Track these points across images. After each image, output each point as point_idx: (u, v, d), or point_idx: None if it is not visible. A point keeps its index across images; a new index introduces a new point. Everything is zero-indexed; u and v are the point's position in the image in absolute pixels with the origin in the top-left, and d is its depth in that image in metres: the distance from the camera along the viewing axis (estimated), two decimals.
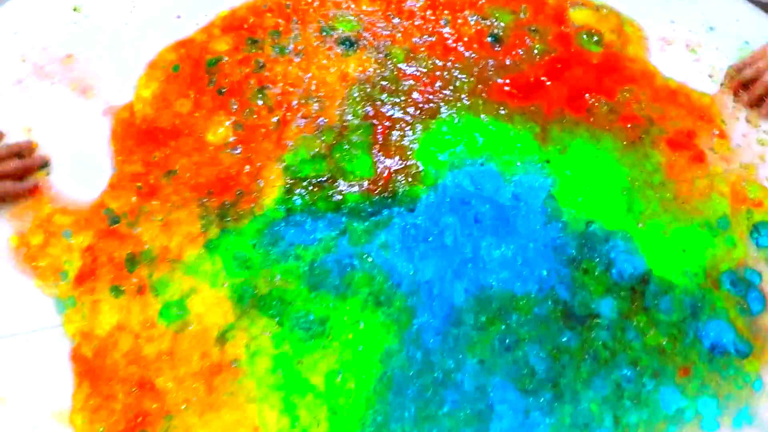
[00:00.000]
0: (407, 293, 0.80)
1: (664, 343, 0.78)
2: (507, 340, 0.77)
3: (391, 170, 0.89)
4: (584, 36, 1.01)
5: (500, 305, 0.79)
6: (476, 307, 0.79)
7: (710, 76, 0.98)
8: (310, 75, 0.97)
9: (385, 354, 0.77)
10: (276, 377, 0.76)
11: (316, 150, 0.90)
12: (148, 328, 0.78)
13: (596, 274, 0.81)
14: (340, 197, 0.86)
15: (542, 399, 0.74)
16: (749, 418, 0.73)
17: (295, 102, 0.94)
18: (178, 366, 0.76)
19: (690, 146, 0.91)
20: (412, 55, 0.99)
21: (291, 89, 0.95)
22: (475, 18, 1.02)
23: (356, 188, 0.87)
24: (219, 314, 0.79)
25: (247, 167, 0.89)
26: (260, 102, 0.94)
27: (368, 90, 0.95)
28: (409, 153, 0.90)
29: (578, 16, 1.03)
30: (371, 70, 0.97)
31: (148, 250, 0.83)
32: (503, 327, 0.78)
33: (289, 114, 0.93)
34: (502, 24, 1.02)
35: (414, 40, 1.00)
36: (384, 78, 0.96)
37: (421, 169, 0.89)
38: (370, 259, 0.82)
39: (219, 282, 0.81)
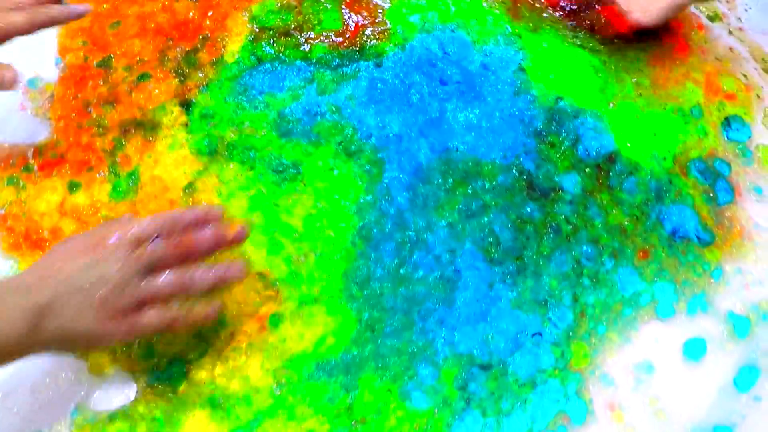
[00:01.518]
0: (377, 146, 0.80)
1: (626, 223, 0.77)
2: (473, 205, 0.76)
3: (359, 24, 0.86)
4: None
5: (466, 168, 0.78)
6: (442, 167, 0.78)
7: None
8: None
9: (359, 206, 0.77)
10: (255, 217, 0.75)
11: (285, 1, 0.88)
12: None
13: (562, 148, 0.80)
14: (307, 47, 0.85)
15: (506, 271, 0.74)
16: (704, 304, 0.73)
17: None
18: None
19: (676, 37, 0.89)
20: None
21: None
22: None
23: (323, 40, 0.85)
24: (181, 171, 0.78)
25: (210, 12, 0.87)
26: None
27: None
28: (379, 12, 0.88)
29: None
30: None
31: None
32: (469, 191, 0.77)
33: None
34: None
35: None
36: None
37: (389, 26, 0.86)
38: (338, 110, 0.81)
39: (178, 143, 0.79)
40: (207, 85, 0.84)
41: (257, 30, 0.86)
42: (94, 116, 0.81)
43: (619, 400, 0.69)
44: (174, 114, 0.82)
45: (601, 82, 0.85)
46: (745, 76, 0.88)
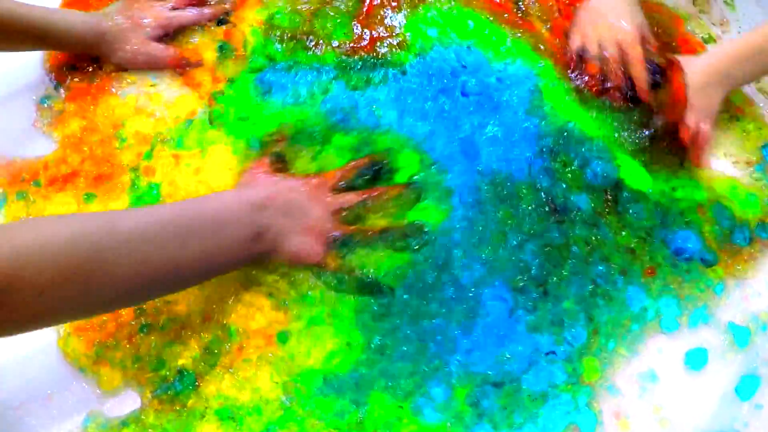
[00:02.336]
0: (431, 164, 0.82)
1: (633, 243, 0.78)
2: (509, 234, 0.78)
3: (374, 37, 0.88)
4: None
5: (506, 192, 0.80)
6: (490, 195, 0.80)
7: None
8: None
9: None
10: None
11: (298, 8, 0.90)
12: None
13: (572, 168, 0.82)
14: (319, 52, 0.87)
15: (529, 298, 0.75)
16: (705, 317, 0.76)
17: None
18: None
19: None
20: None
21: None
22: None
23: (335, 48, 0.88)
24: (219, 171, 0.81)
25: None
26: None
27: None
28: (396, 26, 0.90)
29: None
30: None
31: None
32: (514, 220, 0.79)
33: None
34: None
35: None
36: None
37: (408, 37, 0.89)
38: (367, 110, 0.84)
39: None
40: (231, 81, 0.85)
41: (269, 28, 0.89)
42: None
43: (624, 408, 0.71)
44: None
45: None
46: None
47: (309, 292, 0.73)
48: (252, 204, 0.69)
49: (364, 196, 0.76)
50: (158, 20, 0.85)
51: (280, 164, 0.78)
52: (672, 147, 0.84)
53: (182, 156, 0.81)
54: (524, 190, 0.80)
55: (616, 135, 0.84)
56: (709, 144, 0.83)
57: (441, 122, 0.83)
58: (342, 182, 0.76)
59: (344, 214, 0.74)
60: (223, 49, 0.86)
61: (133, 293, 0.62)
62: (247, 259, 0.70)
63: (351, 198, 0.75)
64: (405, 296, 0.74)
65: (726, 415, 0.71)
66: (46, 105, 0.84)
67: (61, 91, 0.84)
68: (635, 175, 0.82)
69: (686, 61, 0.84)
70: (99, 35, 0.82)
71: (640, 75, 0.85)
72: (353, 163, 0.79)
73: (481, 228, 0.77)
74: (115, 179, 0.79)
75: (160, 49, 0.84)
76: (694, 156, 0.84)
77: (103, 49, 0.83)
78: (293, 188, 0.74)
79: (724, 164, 0.85)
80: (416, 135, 0.82)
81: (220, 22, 0.88)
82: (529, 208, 0.79)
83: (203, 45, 0.87)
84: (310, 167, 0.79)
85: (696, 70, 0.83)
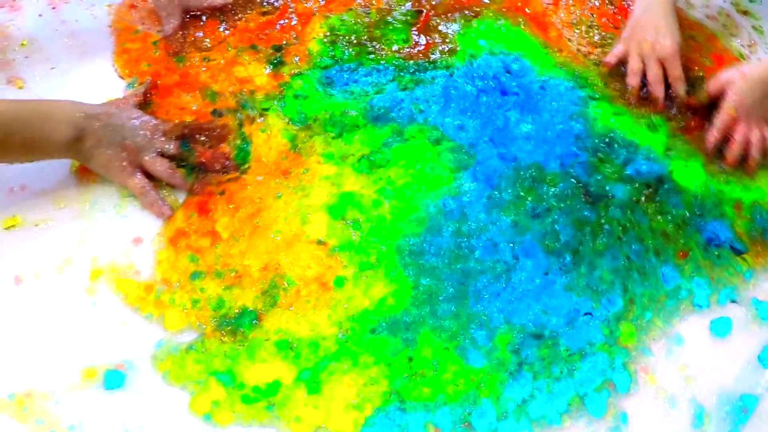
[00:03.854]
0: (454, 147, 0.92)
1: (669, 228, 0.87)
2: (539, 208, 0.87)
3: (429, 43, 1.00)
4: None
5: (532, 175, 0.89)
6: (512, 174, 0.90)
7: None
8: None
9: (430, 199, 0.87)
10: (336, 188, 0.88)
11: (359, 20, 1.02)
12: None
13: (613, 165, 0.91)
14: (381, 55, 0.99)
15: (563, 261, 0.83)
16: (734, 295, 0.83)
17: None
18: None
19: None
20: None
21: None
22: None
23: (395, 52, 0.99)
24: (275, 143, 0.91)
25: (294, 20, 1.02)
26: None
27: None
28: (450, 34, 1.02)
29: None
30: None
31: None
32: (535, 196, 0.88)
33: None
34: None
35: None
36: None
37: (459, 47, 1.00)
38: (419, 109, 0.94)
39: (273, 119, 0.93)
40: (298, 74, 0.96)
41: (332, 35, 1.01)
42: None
43: (653, 365, 0.78)
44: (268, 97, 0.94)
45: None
46: None
47: (353, 240, 0.82)
48: (86, 112, 0.81)
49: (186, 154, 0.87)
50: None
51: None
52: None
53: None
54: (551, 176, 0.89)
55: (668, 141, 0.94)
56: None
57: (477, 117, 0.94)
58: (176, 133, 0.87)
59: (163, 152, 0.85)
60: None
61: None
62: (63, 155, 0.82)
63: (174, 147, 0.86)
64: (437, 239, 0.83)
65: (749, 380, 0.78)
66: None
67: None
68: (687, 171, 0.92)
69: (737, 73, 0.94)
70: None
71: (680, 92, 0.96)
72: (198, 123, 0.90)
73: (500, 196, 0.87)
74: None
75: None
76: (750, 168, 0.93)
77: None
78: (132, 117, 0.85)
79: None
80: (448, 127, 0.93)
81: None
82: (555, 189, 0.88)
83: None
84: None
85: (751, 83, 0.93)
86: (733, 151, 0.92)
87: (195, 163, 0.87)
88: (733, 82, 0.93)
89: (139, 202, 0.84)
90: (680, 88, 0.96)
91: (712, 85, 0.95)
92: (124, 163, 0.83)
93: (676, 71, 0.95)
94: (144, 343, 0.75)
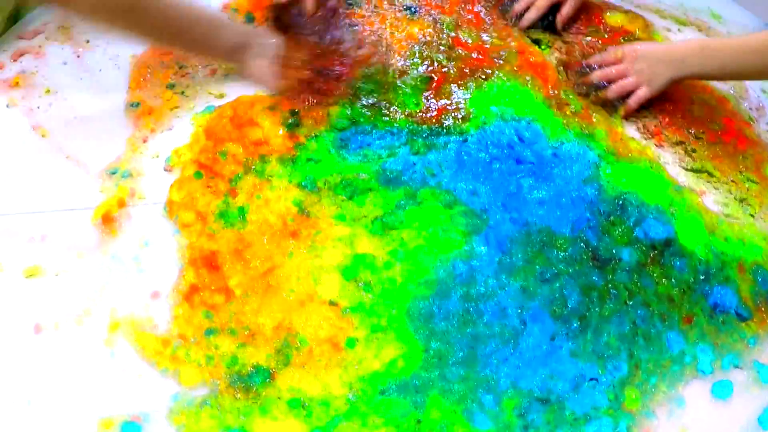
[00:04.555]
0: (466, 212, 0.95)
1: (674, 293, 0.89)
2: (548, 273, 0.89)
3: (441, 108, 1.04)
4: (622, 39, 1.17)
5: (542, 239, 0.92)
6: (523, 238, 0.92)
7: None
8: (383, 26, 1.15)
9: (440, 261, 0.90)
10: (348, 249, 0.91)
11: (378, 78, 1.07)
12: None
13: (622, 228, 0.94)
14: (396, 118, 1.03)
15: (569, 327, 0.86)
16: (737, 361, 0.85)
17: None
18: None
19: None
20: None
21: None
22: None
23: (407, 116, 1.03)
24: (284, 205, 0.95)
25: None
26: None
27: (427, 52, 1.12)
28: (462, 99, 1.06)
29: (613, 19, 1.23)
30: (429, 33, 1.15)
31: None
32: (545, 260, 0.91)
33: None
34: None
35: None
36: (442, 44, 1.13)
37: (472, 112, 1.04)
38: (432, 173, 0.98)
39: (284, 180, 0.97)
40: (313, 136, 1.00)
41: (353, 97, 1.05)
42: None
43: (654, 428, 0.80)
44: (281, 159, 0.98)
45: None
46: None
47: (364, 301, 0.85)
48: (251, 30, 1.09)
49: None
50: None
51: None
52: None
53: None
54: (561, 241, 0.92)
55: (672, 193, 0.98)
56: (639, 105, 1.06)
57: (490, 183, 0.97)
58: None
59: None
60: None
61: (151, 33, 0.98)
62: (223, 59, 1.06)
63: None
64: (446, 302, 0.86)
65: None
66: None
67: None
68: (691, 232, 0.95)
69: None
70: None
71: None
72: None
73: (510, 261, 0.90)
74: None
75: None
76: (625, 111, 1.07)
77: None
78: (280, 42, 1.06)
79: None
80: (460, 191, 0.96)
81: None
82: (565, 254, 0.91)
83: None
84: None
85: (652, 46, 1.07)
86: (596, 75, 1.08)
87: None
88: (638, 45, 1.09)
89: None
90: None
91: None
92: (275, 70, 1.03)
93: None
94: (160, 395, 0.78)
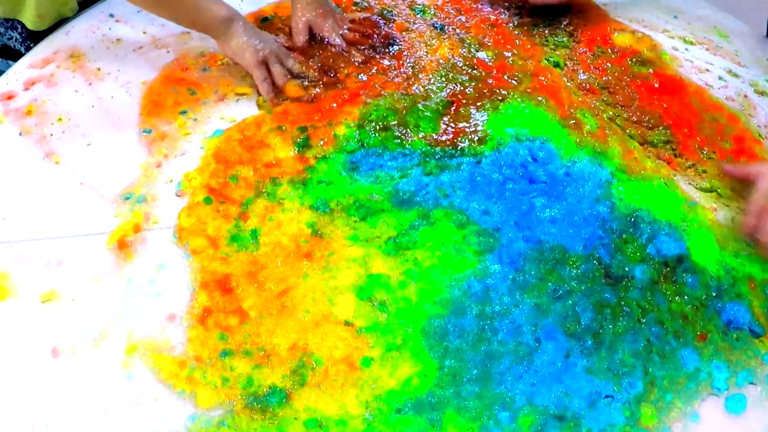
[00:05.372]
0: (480, 231, 0.97)
1: (687, 310, 0.91)
2: (561, 290, 0.91)
3: (458, 130, 1.07)
4: (629, 60, 1.20)
5: (555, 257, 0.94)
6: (536, 255, 0.94)
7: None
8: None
9: (453, 279, 0.92)
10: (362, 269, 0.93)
11: (395, 106, 1.10)
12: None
13: (635, 245, 0.96)
14: (408, 140, 1.06)
15: (584, 344, 0.87)
16: (751, 377, 0.87)
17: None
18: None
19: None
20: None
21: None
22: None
23: (422, 138, 1.06)
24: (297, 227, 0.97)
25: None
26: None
27: (452, 74, 1.17)
28: (479, 122, 1.09)
29: (620, 39, 1.26)
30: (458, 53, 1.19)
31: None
32: (558, 278, 0.93)
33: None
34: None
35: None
36: (466, 64, 1.18)
37: (489, 133, 1.07)
38: (445, 194, 1.00)
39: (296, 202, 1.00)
40: (323, 157, 1.02)
41: (362, 120, 1.08)
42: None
43: None
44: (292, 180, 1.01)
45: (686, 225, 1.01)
46: None
47: (379, 321, 0.87)
48: (240, 16, 1.14)
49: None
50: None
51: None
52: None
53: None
54: (574, 258, 0.94)
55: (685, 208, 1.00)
56: None
57: (502, 202, 1.00)
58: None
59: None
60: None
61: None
62: (214, 30, 1.12)
63: (294, 65, 1.15)
64: (461, 321, 0.88)
65: None
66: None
67: None
68: (703, 247, 0.96)
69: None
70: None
71: None
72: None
73: (523, 278, 0.92)
74: None
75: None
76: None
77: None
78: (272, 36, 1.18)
79: None
80: (473, 211, 0.98)
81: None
82: (578, 271, 0.93)
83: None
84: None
85: None
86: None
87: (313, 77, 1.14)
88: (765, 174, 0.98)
89: None
90: None
91: (744, 170, 1.03)
92: (257, 54, 1.12)
93: None
94: (177, 417, 0.79)
